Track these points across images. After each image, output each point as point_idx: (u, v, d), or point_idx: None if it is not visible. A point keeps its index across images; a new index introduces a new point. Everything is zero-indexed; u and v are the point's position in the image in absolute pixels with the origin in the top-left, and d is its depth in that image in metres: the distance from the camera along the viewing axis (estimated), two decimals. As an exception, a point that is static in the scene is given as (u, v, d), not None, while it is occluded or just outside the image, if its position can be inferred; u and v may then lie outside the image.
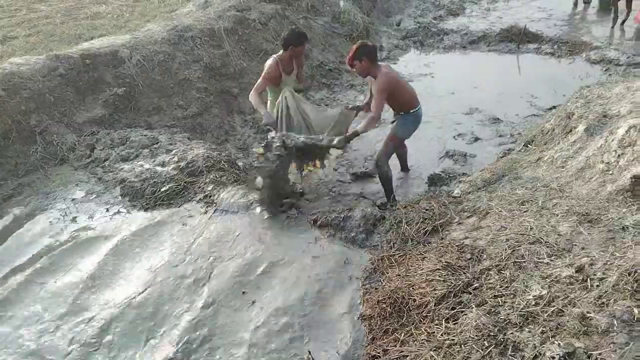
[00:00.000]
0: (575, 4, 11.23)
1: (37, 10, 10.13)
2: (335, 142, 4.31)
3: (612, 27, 9.64)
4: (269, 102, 5.02)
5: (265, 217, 3.95)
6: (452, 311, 2.66)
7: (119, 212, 4.30)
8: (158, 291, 3.42)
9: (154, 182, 4.46)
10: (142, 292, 3.42)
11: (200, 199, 4.25)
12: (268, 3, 8.59)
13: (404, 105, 4.61)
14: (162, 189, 4.36)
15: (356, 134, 4.42)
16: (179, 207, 4.23)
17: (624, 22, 9.56)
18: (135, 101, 6.07)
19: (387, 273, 3.20)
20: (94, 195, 4.55)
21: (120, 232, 4.04)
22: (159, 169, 4.67)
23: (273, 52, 7.66)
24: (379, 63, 4.55)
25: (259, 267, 3.51)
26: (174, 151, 4.90)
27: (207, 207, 4.14)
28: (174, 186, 4.38)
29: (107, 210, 4.34)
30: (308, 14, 9.27)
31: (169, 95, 6.38)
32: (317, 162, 4.62)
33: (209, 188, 4.32)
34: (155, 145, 5.09)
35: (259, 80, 4.80)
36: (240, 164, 5.10)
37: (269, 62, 4.85)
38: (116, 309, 3.32)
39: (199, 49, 6.98)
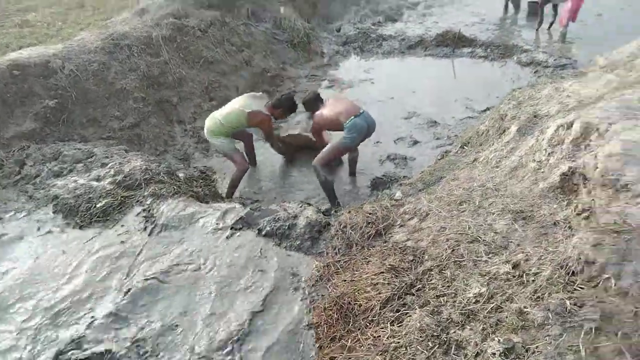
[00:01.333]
0: (506, 8, 11.75)
1: (-42, 18, 9.56)
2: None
3: (537, 29, 10.16)
4: (228, 130, 5.23)
5: (209, 228, 3.87)
6: (397, 314, 2.69)
7: (50, 231, 4.07)
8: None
9: (89, 197, 4.26)
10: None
11: (138, 214, 4.09)
12: (207, 9, 8.48)
13: (336, 124, 5.01)
14: (98, 205, 4.17)
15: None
16: (116, 223, 4.06)
17: (551, 25, 10.09)
18: (68, 113, 5.79)
19: (333, 279, 3.20)
20: (24, 214, 4.30)
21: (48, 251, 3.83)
22: (94, 183, 4.47)
23: (213, 59, 7.64)
24: (322, 105, 5.23)
25: (205, 282, 3.41)
26: (110, 164, 4.71)
27: (146, 221, 3.99)
28: (110, 201, 4.20)
29: (39, 229, 4.10)
30: (248, 20, 9.22)
31: (105, 106, 6.14)
32: None
33: (148, 202, 4.18)
34: (90, 159, 4.87)
35: (271, 136, 5.59)
36: (181, 175, 4.96)
37: (268, 120, 5.25)
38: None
39: (135, 57, 6.77)
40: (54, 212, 4.23)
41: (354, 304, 2.89)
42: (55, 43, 6.99)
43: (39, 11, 9.95)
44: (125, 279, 3.46)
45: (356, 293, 2.96)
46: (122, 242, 3.82)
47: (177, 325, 3.08)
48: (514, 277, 2.57)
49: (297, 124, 6.58)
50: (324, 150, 4.98)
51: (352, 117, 4.87)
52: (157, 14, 7.79)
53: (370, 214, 3.71)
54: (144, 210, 4.10)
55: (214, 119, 5.18)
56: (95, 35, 6.91)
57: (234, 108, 5.16)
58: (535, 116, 4.35)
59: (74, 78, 6.04)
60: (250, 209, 4.12)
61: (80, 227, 4.04)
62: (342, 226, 3.66)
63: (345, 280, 3.14)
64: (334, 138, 5.21)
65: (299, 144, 6.15)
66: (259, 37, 9.06)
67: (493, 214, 3.23)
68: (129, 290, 3.34)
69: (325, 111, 5.11)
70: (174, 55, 7.31)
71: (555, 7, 9.96)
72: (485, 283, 2.58)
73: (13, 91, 5.58)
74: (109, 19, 8.30)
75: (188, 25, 7.81)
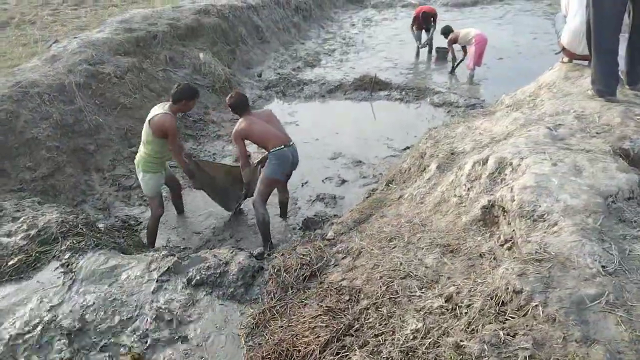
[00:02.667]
0: (417, 55, 12.50)
1: None
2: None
3: (450, 72, 10.89)
4: (154, 156, 4.81)
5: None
6: (337, 357, 2.66)
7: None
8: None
9: (0, 255, 3.92)
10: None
11: (56, 269, 3.80)
12: (123, 56, 8.28)
13: (265, 145, 4.93)
14: (10, 263, 3.84)
15: (246, 183, 5.10)
16: (29, 280, 3.74)
17: (454, 68, 10.85)
18: (-29, 166, 5.36)
19: (270, 326, 3.12)
20: None
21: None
22: (4, 239, 4.12)
23: (131, 105, 7.43)
24: (250, 112, 5.02)
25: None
26: (22, 218, 4.37)
27: (64, 277, 3.72)
28: (23, 258, 3.88)
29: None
30: (167, 66, 9.11)
31: (14, 157, 5.74)
32: None
33: (66, 256, 3.90)
34: (-2, 214, 4.51)
35: (173, 143, 4.74)
36: (101, 225, 4.71)
37: (169, 120, 4.64)
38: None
39: (47, 105, 6.43)
40: (-43, 275, 3.84)
41: (293, 350, 2.82)
42: (-44, 91, 6.48)
43: None
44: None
45: (294, 338, 2.90)
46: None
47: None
48: (447, 310, 2.63)
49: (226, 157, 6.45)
50: (256, 188, 4.91)
51: (282, 146, 4.84)
52: (70, 61, 7.49)
53: (303, 255, 3.69)
54: (61, 265, 3.82)
55: (138, 154, 4.92)
56: (1, 83, 6.51)
57: (144, 128, 4.82)
58: (452, 153, 4.58)
59: (-22, 128, 5.62)
60: (178, 257, 3.96)
61: (-11, 289, 3.69)
62: (276, 270, 3.61)
63: (282, 326, 3.08)
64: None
65: (213, 174, 5.50)
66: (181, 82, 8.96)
67: (422, 248, 3.32)
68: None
69: (258, 126, 4.91)
70: (90, 102, 7.04)
71: (464, 48, 10.71)
72: (421, 318, 2.62)
73: None
74: (17, 66, 7.85)
75: (104, 72, 7.57)
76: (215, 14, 11.11)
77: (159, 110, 4.75)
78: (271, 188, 5.12)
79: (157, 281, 3.67)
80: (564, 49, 5.05)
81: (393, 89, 9.90)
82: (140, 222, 5.66)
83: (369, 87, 9.93)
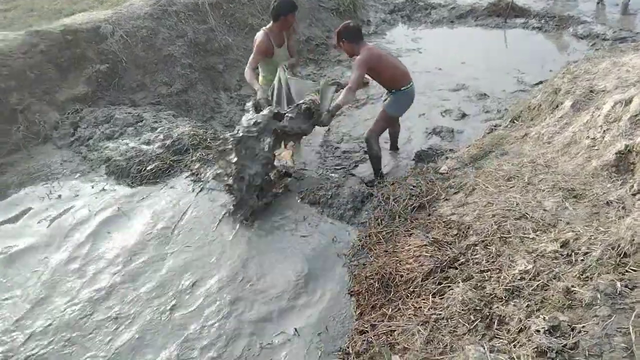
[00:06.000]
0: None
1: (15, -17, 9.83)
2: (322, 118, 4.29)
3: (598, 2, 9.63)
4: (261, 77, 4.91)
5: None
6: (439, 286, 2.69)
7: (104, 189, 4.25)
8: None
9: (140, 160, 4.41)
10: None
11: (187, 177, 4.21)
12: (253, -24, 8.42)
13: (391, 82, 4.62)
14: (148, 168, 4.31)
15: (338, 107, 4.39)
16: (165, 185, 4.19)
17: None
18: (118, 78, 5.95)
19: (375, 250, 3.22)
20: (79, 174, 4.49)
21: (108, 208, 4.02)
22: (144, 147, 4.61)
23: (259, 27, 7.59)
24: (366, 43, 4.58)
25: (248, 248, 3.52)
26: (159, 129, 4.84)
27: (194, 184, 4.11)
28: (160, 164, 4.33)
29: (92, 187, 4.29)
30: (294, -13, 9.11)
31: (153, 72, 6.26)
32: (290, 148, 4.55)
33: (196, 166, 4.28)
34: (140, 123, 5.02)
35: (252, 56, 4.65)
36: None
37: (259, 35, 4.67)
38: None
39: (183, 24, 6.84)
40: (106, 174, 4.40)
41: (396, 275, 2.90)
42: (105, 9, 7.11)
43: (90, -23, 10.13)
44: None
45: (398, 264, 2.97)
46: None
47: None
48: (561, 255, 2.51)
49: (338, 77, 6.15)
50: (374, 122, 4.85)
51: (411, 83, 4.66)
52: (205, -20, 7.79)
53: (414, 186, 3.68)
54: (192, 174, 4.21)
55: None
56: (143, 1, 6.99)
57: None
58: (591, 91, 4.16)
59: (124, 43, 6.16)
60: (294, 176, 4.16)
61: (131, 188, 4.20)
62: (385, 197, 3.65)
63: (387, 251, 3.16)
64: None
65: (297, 90, 4.66)
66: (305, 5, 8.94)
67: (543, 191, 3.15)
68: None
69: (388, 58, 4.65)
70: (220, 22, 7.34)
71: None
72: (532, 260, 2.54)
73: (67, 56, 5.75)
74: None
75: (235, -9, 7.79)
76: None
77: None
78: (389, 125, 5.05)
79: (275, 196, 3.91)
80: None
81: (531, 17, 9.04)
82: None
83: (504, 13, 9.16)
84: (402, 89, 4.62)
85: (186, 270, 3.36)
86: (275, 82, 4.58)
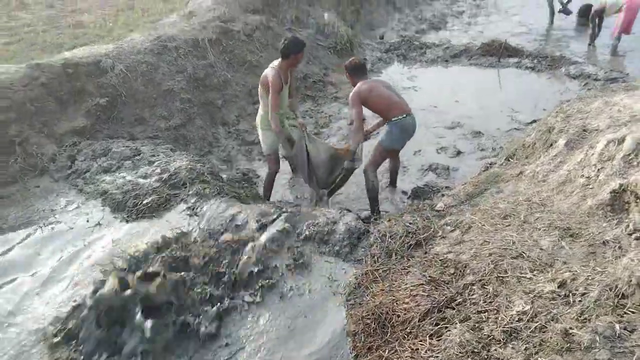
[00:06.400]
0: (552, 21, 11.44)
1: (18, 18, 10.01)
2: (350, 166, 4.83)
3: (590, 44, 9.87)
4: (261, 115, 5.01)
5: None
6: (436, 327, 2.66)
7: (99, 224, 4.22)
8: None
9: (136, 194, 4.40)
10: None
11: (182, 211, 4.19)
12: (252, 14, 8.62)
13: (385, 112, 4.81)
14: (144, 202, 4.30)
15: (355, 149, 4.74)
16: (160, 219, 4.17)
17: (595, 38, 9.81)
18: (117, 112, 6.00)
19: (371, 288, 3.19)
20: (75, 207, 4.47)
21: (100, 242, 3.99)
22: (141, 180, 4.61)
23: (258, 64, 7.74)
24: (367, 78, 4.89)
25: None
26: (156, 163, 4.85)
27: (189, 219, 4.09)
28: (156, 198, 4.32)
29: (87, 221, 4.26)
30: (292, 25, 9.32)
31: (152, 106, 6.32)
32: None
33: (192, 200, 4.28)
34: (137, 157, 5.03)
35: (271, 95, 4.72)
36: (224, 176, 5.06)
37: (271, 73, 4.75)
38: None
39: (182, 59, 6.95)
40: (102, 206, 4.39)
41: (392, 314, 2.87)
42: (106, 43, 7.22)
43: (91, 12, 10.32)
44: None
45: (394, 303, 2.94)
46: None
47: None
48: (559, 296, 2.50)
49: (338, 130, 6.58)
50: (371, 155, 4.94)
51: (406, 114, 4.76)
52: (204, 17, 7.96)
53: (410, 223, 3.68)
54: (188, 208, 4.20)
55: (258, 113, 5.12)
56: (144, 37, 7.12)
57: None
58: (584, 130, 4.22)
59: (124, 78, 6.24)
60: (290, 212, 4.15)
61: (127, 222, 4.17)
62: (381, 234, 3.64)
63: (383, 290, 3.13)
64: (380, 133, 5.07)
65: (315, 152, 5.04)
66: (303, 42, 9.14)
67: (539, 229, 3.15)
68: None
69: (378, 90, 4.77)
70: (220, 58, 7.46)
71: (601, 21, 9.67)
72: (529, 301, 2.53)
73: (67, 89, 5.81)
74: (158, 21, 8.52)
75: (234, 29, 7.96)
76: (343, -27, 11.06)
77: (269, 67, 4.89)
78: (385, 157, 5.12)
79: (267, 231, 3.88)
80: None
81: (524, 57, 9.24)
82: (259, 176, 5.97)
83: (498, 53, 9.36)
84: (394, 119, 4.73)
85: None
86: (297, 149, 4.98)
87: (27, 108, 5.35)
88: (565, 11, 11.22)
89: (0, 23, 9.62)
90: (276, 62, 4.87)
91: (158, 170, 4.68)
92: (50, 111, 5.55)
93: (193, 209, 4.19)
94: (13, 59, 7.13)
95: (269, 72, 4.80)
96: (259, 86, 4.91)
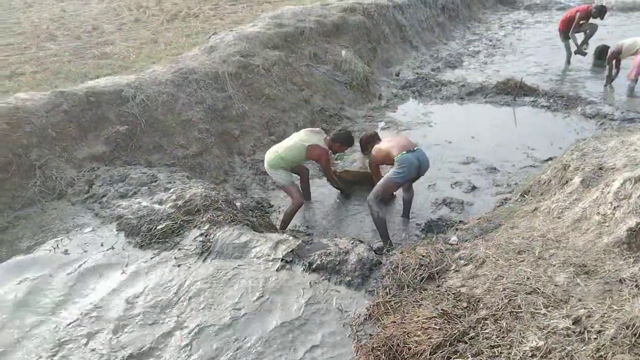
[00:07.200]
0: (569, 61, 11.53)
1: (47, 48, 10.40)
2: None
3: (606, 85, 9.89)
4: (283, 160, 5.32)
5: None
6: (448, 361, 2.61)
7: (112, 247, 4.26)
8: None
9: (151, 219, 4.45)
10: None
11: (196, 238, 4.21)
12: (272, 50, 8.83)
13: (389, 160, 5.12)
14: (158, 227, 4.33)
15: None
16: (174, 245, 4.19)
17: (612, 80, 9.83)
18: (136, 139, 6.13)
19: (382, 320, 3.15)
20: (90, 230, 4.52)
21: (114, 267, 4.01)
22: (156, 206, 4.66)
23: (274, 97, 7.89)
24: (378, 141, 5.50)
25: (254, 307, 3.46)
26: (172, 189, 4.91)
27: (202, 246, 4.11)
28: (170, 224, 4.36)
29: (102, 245, 4.30)
30: (310, 61, 9.51)
31: (171, 135, 6.45)
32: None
33: (206, 227, 4.30)
34: (154, 183, 5.10)
35: (329, 169, 5.65)
36: (238, 204, 5.10)
37: (326, 153, 5.35)
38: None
39: (202, 91, 7.12)
40: (117, 231, 4.43)
41: (403, 347, 2.82)
42: (128, 74, 7.44)
43: (116, 45, 10.67)
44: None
45: (406, 336, 2.89)
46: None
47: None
48: (574, 333, 2.45)
49: (352, 163, 6.65)
50: (376, 186, 5.03)
51: (404, 152, 4.92)
52: (225, 52, 8.18)
53: (423, 256, 3.66)
54: (201, 234, 4.22)
55: (274, 153, 5.33)
56: (165, 69, 7.33)
57: (294, 142, 5.32)
58: (600, 168, 4.21)
59: (144, 107, 6.40)
60: (302, 241, 4.15)
61: (140, 247, 4.20)
62: (393, 266, 3.61)
63: (394, 322, 3.08)
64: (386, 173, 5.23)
65: (354, 179, 6.30)
66: (320, 78, 9.31)
67: (554, 265, 3.11)
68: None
69: (381, 145, 5.31)
70: (238, 90, 7.63)
71: (618, 62, 9.71)
72: (544, 337, 2.48)
73: (88, 116, 5.98)
74: (180, 55, 8.77)
75: (253, 63, 8.15)
76: (360, 12, 11.33)
77: (314, 138, 5.35)
78: (389, 191, 5.30)
79: (281, 260, 3.89)
80: None
81: (540, 96, 9.26)
82: (272, 206, 6.02)
83: (513, 91, 9.40)
84: (396, 157, 4.95)
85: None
86: None
87: (49, 133, 5.51)
88: (580, 52, 11.29)
89: (29, 53, 9.99)
90: (322, 137, 5.45)
91: (173, 197, 4.74)
92: (71, 137, 5.70)
93: (206, 235, 4.21)
94: (39, 87, 7.37)
95: (323, 152, 5.33)
96: (304, 151, 5.28)
